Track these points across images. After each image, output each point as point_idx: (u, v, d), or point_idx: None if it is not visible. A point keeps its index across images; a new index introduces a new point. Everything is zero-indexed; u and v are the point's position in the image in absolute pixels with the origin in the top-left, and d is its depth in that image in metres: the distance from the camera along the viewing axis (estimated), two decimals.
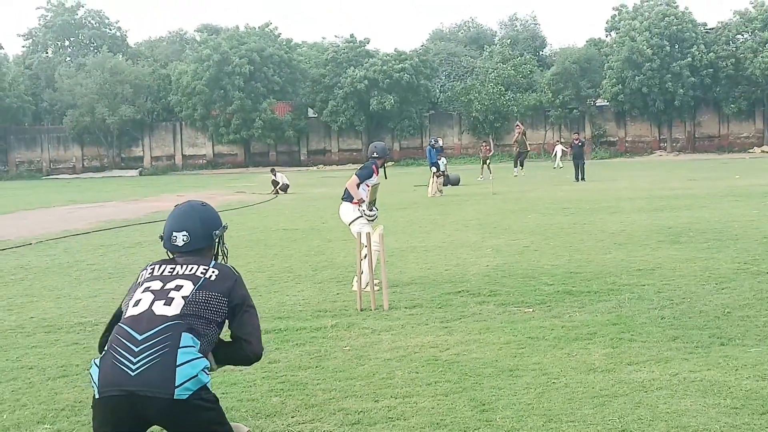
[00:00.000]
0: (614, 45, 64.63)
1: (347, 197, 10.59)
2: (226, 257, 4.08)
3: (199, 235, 3.89)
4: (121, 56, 73.20)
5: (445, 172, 32.00)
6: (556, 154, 49.04)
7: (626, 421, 5.26)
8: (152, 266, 3.88)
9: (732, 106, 62.13)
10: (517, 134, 41.68)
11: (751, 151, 61.42)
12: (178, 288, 3.68)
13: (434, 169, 28.81)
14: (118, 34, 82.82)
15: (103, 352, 3.59)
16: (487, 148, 42.91)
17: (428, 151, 30.41)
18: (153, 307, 3.60)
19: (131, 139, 74.15)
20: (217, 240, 4.02)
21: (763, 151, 60.43)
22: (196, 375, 3.48)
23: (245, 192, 35.67)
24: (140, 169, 70.74)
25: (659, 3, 64.02)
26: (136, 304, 3.65)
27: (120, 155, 74.52)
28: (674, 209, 19.42)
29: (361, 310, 9.06)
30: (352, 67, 67.89)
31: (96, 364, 3.55)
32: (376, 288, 9.54)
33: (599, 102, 67.46)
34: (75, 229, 20.06)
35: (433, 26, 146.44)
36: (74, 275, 12.60)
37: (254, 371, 6.68)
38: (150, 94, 72.64)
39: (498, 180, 32.73)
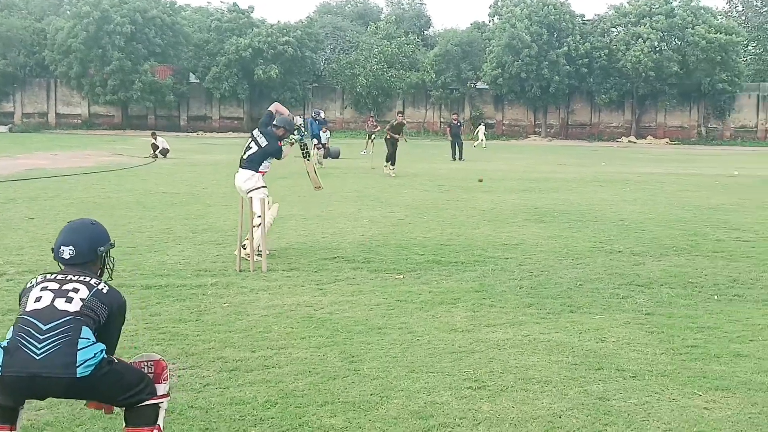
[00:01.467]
0: (496, 30, 66.21)
1: (249, 166, 10.58)
2: (111, 273, 4.41)
3: (84, 250, 4.18)
4: None
5: (327, 145, 32.39)
6: (478, 134, 50.03)
7: (479, 373, 5.86)
8: (43, 275, 4.17)
9: (604, 96, 64.72)
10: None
11: (619, 140, 64.22)
12: (75, 291, 4.01)
13: (315, 141, 29.15)
14: None
15: (9, 339, 3.91)
16: (374, 122, 43.38)
17: (310, 123, 30.71)
18: (54, 303, 3.95)
19: (1, 94, 71.22)
20: (102, 256, 4.31)
21: (630, 141, 63.31)
22: (94, 355, 3.88)
23: (123, 154, 35.09)
24: (10, 125, 68.01)
25: None
26: (38, 300, 3.97)
27: None
28: (542, 191, 20.44)
29: (240, 271, 9.43)
30: (236, 36, 67.18)
31: (1, 347, 3.87)
32: (258, 256, 9.84)
33: (479, 85, 69.01)
34: None
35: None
36: None
37: (136, 323, 6.99)
38: (23, 48, 69.85)
39: (377, 155, 33.35)
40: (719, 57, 61.94)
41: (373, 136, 39.19)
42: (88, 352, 3.86)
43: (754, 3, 76.30)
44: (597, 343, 6.68)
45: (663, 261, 10.60)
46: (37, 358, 3.79)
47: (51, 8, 74.58)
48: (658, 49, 62.72)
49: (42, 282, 4.09)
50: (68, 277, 4.09)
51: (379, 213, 15.38)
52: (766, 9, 75.42)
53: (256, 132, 10.83)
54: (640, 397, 5.38)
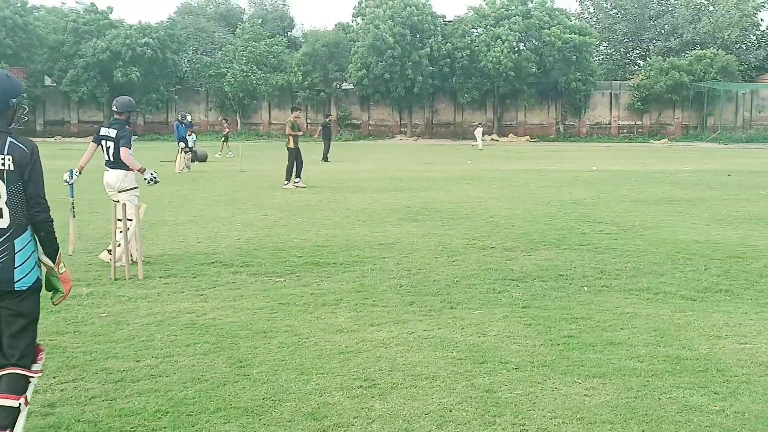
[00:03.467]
0: (360, 31, 66.67)
1: (117, 164, 10.18)
2: (19, 122, 4.67)
3: None
4: None
5: (194, 148, 31.87)
6: (476, 136, 50.33)
7: (369, 371, 5.93)
8: None
9: (466, 95, 66.14)
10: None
11: (483, 138, 65.83)
12: None
13: (182, 144, 28.65)
14: None
15: None
16: (225, 126, 43.75)
17: (176, 126, 30.16)
18: None
19: None
20: (14, 107, 4.57)
21: (492, 139, 64.98)
22: (29, 272, 4.47)
23: None
24: None
25: None
26: None
27: None
28: (413, 190, 20.77)
29: (116, 280, 9.20)
30: (94, 38, 65.13)
31: None
32: (134, 260, 9.64)
33: (345, 85, 69.31)
34: None
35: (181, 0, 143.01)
36: None
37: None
38: None
39: (246, 158, 33.08)
40: (574, 57, 64.53)
41: (225, 138, 41.20)
42: (26, 267, 4.44)
43: (604, 5, 79.80)
44: (479, 337, 6.87)
45: (534, 255, 10.98)
46: None
47: None
48: (516, 49, 64.73)
49: None
50: None
51: (253, 216, 15.28)
52: (614, 11, 79.04)
53: (103, 130, 10.30)
54: (524, 388, 5.58)
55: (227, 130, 42.65)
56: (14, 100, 4.54)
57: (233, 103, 68.13)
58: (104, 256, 10.24)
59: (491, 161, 35.79)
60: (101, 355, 6.31)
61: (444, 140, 64.94)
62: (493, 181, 24.03)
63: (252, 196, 19.26)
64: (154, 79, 66.48)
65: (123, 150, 10.11)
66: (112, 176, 10.33)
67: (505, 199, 18.57)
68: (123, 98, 10.53)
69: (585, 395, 5.47)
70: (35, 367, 4.52)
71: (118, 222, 10.01)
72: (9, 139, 4.44)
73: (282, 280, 9.30)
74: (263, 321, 7.39)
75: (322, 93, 67.89)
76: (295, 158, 21.95)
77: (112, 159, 10.22)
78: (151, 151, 40.18)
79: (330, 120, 38.27)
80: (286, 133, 22.61)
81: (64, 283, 4.73)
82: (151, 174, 10.32)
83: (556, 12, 66.62)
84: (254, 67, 67.30)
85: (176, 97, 68.87)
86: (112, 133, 10.18)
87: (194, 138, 32.53)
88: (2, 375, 4.42)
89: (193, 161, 30.32)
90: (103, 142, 10.23)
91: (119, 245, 9.73)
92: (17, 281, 4.39)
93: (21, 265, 4.41)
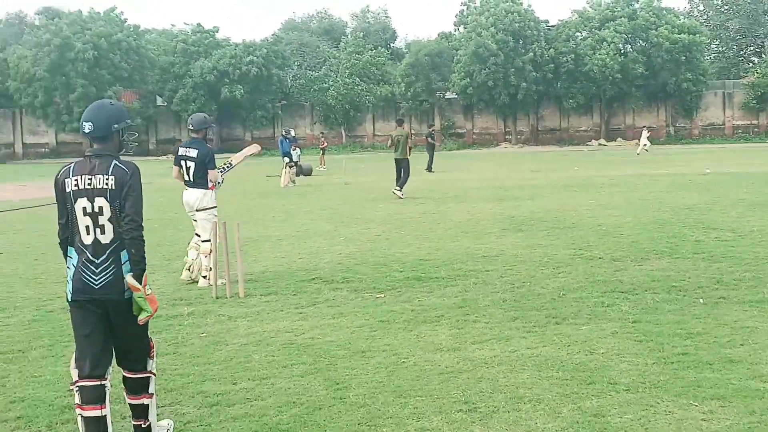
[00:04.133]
0: (462, 39, 66.38)
1: (196, 184, 10.14)
2: (127, 147, 5.00)
3: (101, 125, 4.79)
4: None
5: (298, 162, 32.21)
6: (641, 139, 50.35)
7: (469, 393, 5.68)
8: (75, 177, 4.73)
9: (571, 100, 64.99)
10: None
11: (589, 144, 64.55)
12: (101, 210, 4.69)
13: (287, 159, 28.97)
14: None
15: (72, 268, 4.75)
16: (323, 140, 44.41)
17: (280, 141, 30.56)
18: (98, 237, 4.70)
19: None
20: (119, 132, 4.88)
21: (600, 144, 63.64)
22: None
23: None
24: None
25: (504, 0, 66.15)
26: (87, 231, 4.70)
27: None
28: (517, 199, 20.35)
29: (217, 298, 9.21)
30: (201, 58, 66.88)
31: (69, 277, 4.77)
32: (222, 281, 9.61)
33: (448, 95, 69.06)
34: None
35: (285, 16, 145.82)
36: None
37: None
38: None
39: (350, 171, 33.22)
40: (684, 57, 62.56)
41: (323, 152, 41.83)
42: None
43: (715, 2, 77.13)
44: (586, 355, 6.53)
45: (644, 265, 10.50)
46: (96, 286, 4.69)
47: (13, 37, 73.88)
48: (623, 51, 63.25)
49: (76, 193, 4.70)
50: (92, 184, 4.69)
51: (356, 230, 15.20)
52: (726, 7, 76.25)
53: (181, 150, 10.28)
54: (636, 412, 5.22)
55: (325, 144, 43.30)
56: (116, 126, 4.84)
57: (338, 116, 68.75)
58: (185, 276, 10.31)
59: (599, 167, 34.91)
60: (198, 377, 6.26)
61: (549, 147, 63.88)
62: (601, 187, 23.35)
63: (355, 209, 19.23)
64: (260, 96, 67.73)
65: (212, 173, 10.14)
66: (192, 195, 10.29)
67: (614, 206, 17.97)
68: (197, 116, 10.55)
69: (702, 419, 5.07)
70: (150, 365, 4.98)
71: (201, 242, 10.14)
72: (114, 161, 4.77)
73: (383, 296, 9.13)
74: (362, 340, 7.22)
75: (425, 103, 67.77)
76: (408, 168, 22.56)
77: (191, 179, 10.18)
78: (256, 166, 40.83)
79: (433, 130, 38.15)
80: (408, 146, 23.05)
81: (151, 303, 4.75)
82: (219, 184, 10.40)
83: (664, 11, 64.83)
84: (357, 80, 67.78)
85: (281, 112, 69.92)
86: (192, 152, 10.15)
87: (299, 152, 32.91)
88: (127, 378, 4.94)
89: (298, 175, 30.63)
90: (182, 162, 10.22)
91: (210, 269, 9.76)
92: (126, 290, 4.71)
93: (126, 275, 4.72)
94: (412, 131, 67.48)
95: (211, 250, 9.84)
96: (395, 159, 22.97)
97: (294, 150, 30.34)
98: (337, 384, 5.99)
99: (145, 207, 4.85)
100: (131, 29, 68.68)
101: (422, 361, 6.53)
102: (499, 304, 8.48)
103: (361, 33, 77.65)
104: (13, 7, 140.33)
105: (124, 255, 4.72)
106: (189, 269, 10.27)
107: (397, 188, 22.02)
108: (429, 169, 34.29)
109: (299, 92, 70.91)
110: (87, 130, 4.83)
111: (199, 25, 70.54)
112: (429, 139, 36.44)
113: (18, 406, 5.76)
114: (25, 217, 19.72)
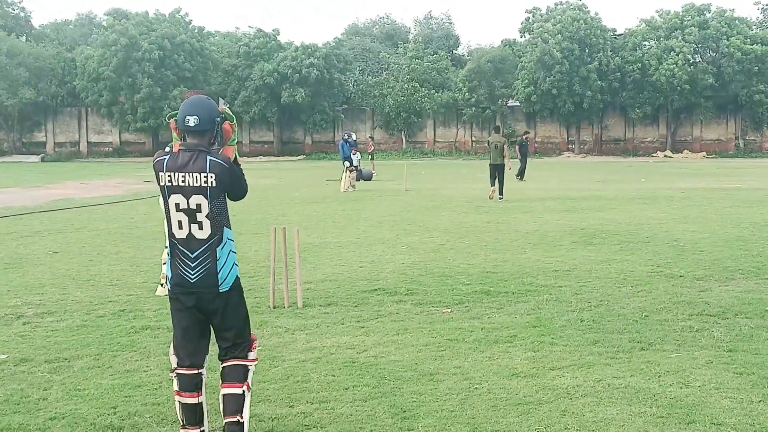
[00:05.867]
0: (527, 46, 65.43)
1: None
2: (219, 141, 5.04)
3: (205, 119, 4.88)
4: (24, 38, 70.19)
5: (358, 167, 31.78)
6: None
7: (553, 430, 5.07)
8: (168, 173, 4.78)
9: (637, 111, 63.57)
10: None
11: (654, 155, 63.02)
12: (199, 207, 4.76)
13: (347, 163, 28.54)
14: (21, 14, 79.57)
15: (170, 259, 4.89)
16: (370, 143, 43.70)
17: (341, 145, 30.12)
18: (192, 232, 4.79)
19: (33, 123, 71.44)
20: (218, 126, 4.99)
21: (666, 156, 62.09)
22: (229, 274, 4.88)
23: (153, 182, 34.63)
24: (42, 155, 68.11)
25: (571, 7, 65.07)
26: (180, 226, 4.81)
27: (21, 140, 71.67)
28: (585, 210, 19.58)
29: (275, 308, 8.71)
30: (262, 61, 66.99)
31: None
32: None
33: (511, 102, 68.10)
34: None
35: (349, 20, 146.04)
36: None
37: (160, 372, 6.31)
38: (54, 78, 70.07)
39: (411, 177, 32.65)
40: (756, 68, 60.76)
41: (372, 157, 40.75)
42: (225, 271, 4.84)
43: None
44: (681, 388, 5.86)
45: (731, 286, 9.75)
46: (192, 280, 4.80)
47: (81, 38, 75.00)
48: (692, 61, 61.63)
49: (170, 189, 4.79)
50: (187, 182, 4.73)
51: (418, 238, 14.63)
52: None
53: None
54: None
55: (372, 148, 42.55)
56: (218, 119, 4.98)
57: (398, 121, 68.22)
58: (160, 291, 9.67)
59: (667, 179, 33.81)
60: (253, 398, 5.70)
61: (614, 157, 62.52)
62: (672, 200, 22.43)
63: (417, 216, 18.66)
64: (321, 100, 67.52)
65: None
66: None
67: (689, 220, 17.11)
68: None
69: None
70: (251, 355, 4.99)
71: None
72: (208, 157, 4.78)
73: (449, 311, 8.54)
74: (429, 361, 6.64)
75: (487, 110, 66.88)
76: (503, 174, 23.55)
77: None
78: (317, 170, 40.53)
79: (527, 138, 37.32)
80: (505, 153, 23.80)
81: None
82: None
83: (736, 21, 62.99)
84: (417, 85, 67.19)
85: (342, 116, 69.65)
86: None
87: (359, 157, 32.48)
88: (224, 367, 4.94)
89: (358, 180, 30.19)
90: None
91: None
92: (221, 284, 4.83)
93: (221, 269, 4.82)
94: (473, 138, 66.91)
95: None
96: (490, 164, 23.80)
97: (354, 154, 29.91)
98: (404, 411, 5.42)
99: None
100: (195, 31, 69.13)
101: (497, 387, 5.92)
102: (577, 325, 7.83)
103: (422, 39, 77.05)
104: (84, 8, 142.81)
105: (219, 251, 4.81)
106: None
107: (500, 196, 23.04)
108: (520, 176, 33.24)
109: (360, 97, 70.59)
110: (192, 124, 4.86)
111: (260, 29, 70.64)
112: (520, 147, 35.53)
113: (58, 423, 5.32)
114: (85, 216, 19.55)
